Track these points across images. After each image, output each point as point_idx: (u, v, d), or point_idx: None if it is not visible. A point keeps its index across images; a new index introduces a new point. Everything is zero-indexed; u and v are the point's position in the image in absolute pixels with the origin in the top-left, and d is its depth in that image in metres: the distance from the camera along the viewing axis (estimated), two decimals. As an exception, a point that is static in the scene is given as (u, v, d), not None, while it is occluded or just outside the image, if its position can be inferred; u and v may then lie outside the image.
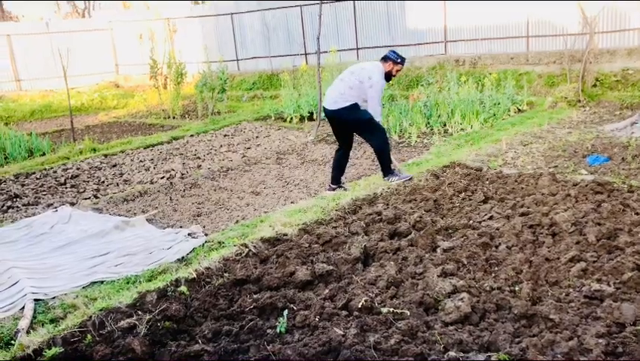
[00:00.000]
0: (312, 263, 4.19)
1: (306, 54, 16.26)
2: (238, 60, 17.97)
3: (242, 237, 4.92)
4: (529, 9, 12.05)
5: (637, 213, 4.61)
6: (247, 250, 4.54)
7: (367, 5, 15.01)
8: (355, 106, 6.06)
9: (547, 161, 6.64)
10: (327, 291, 3.74)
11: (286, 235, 4.87)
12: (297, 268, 4.03)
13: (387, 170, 6.29)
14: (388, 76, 6.20)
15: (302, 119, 11.10)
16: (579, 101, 9.93)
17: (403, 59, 6.20)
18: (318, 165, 7.77)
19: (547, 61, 11.73)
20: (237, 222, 5.59)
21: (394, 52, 6.25)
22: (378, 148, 6.26)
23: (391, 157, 6.37)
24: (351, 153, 8.15)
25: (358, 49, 15.40)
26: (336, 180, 6.37)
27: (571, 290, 3.52)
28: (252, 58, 17.59)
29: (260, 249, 4.57)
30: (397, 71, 6.25)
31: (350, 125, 6.22)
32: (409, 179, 6.22)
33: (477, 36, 13.12)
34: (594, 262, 3.85)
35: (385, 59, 6.19)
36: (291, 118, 11.12)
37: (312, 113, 11.05)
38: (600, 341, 2.87)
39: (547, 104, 10.05)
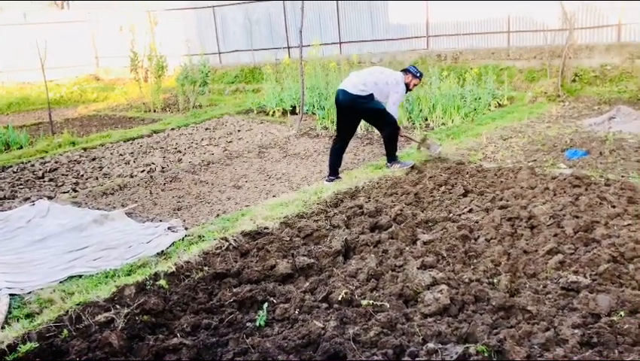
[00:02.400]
0: (292, 256, 4.18)
1: (288, 48, 16.20)
2: (220, 53, 17.83)
3: (222, 231, 4.90)
4: (510, 4, 12.13)
5: (613, 207, 4.68)
6: (227, 243, 4.52)
7: (350, -1, 15.00)
8: (372, 96, 6.33)
9: (526, 155, 6.70)
10: (307, 284, 3.74)
11: (267, 228, 4.86)
12: (278, 262, 4.02)
13: (391, 157, 6.63)
14: (406, 87, 6.56)
15: (284, 112, 11.06)
16: (558, 96, 10.04)
17: (421, 74, 6.69)
18: (301, 158, 7.76)
19: (528, 56, 11.83)
20: (218, 216, 5.55)
21: (414, 67, 6.70)
22: (388, 137, 6.57)
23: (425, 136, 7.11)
24: (333, 147, 8.19)
25: (340, 43, 15.37)
26: (335, 172, 6.50)
27: (548, 282, 3.56)
28: (234, 51, 17.47)
29: (241, 242, 4.56)
30: (414, 85, 6.68)
31: (363, 113, 6.50)
32: (412, 166, 6.51)
33: (459, 31, 13.18)
34: (571, 254, 3.90)
35: (405, 71, 6.59)
36: (274, 112, 11.08)
37: (294, 107, 11.01)
38: (576, 331, 2.91)
39: (527, 99, 10.15)
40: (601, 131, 7.55)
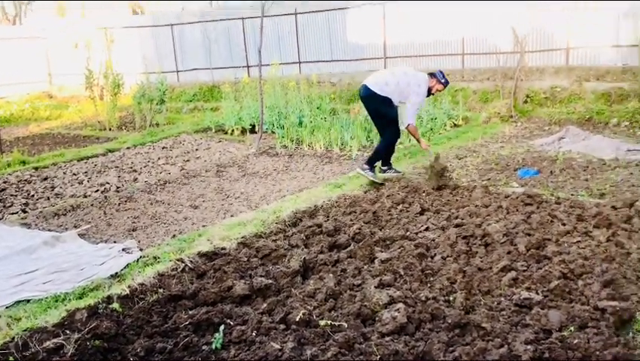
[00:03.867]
0: (250, 277, 4.14)
1: (248, 67, 16.22)
2: (178, 71, 17.70)
3: (178, 252, 4.81)
4: (464, 28, 12.51)
5: (564, 224, 4.82)
6: (183, 265, 4.44)
7: (309, 20, 15.16)
8: (389, 101, 6.54)
9: (480, 174, 6.86)
10: (265, 305, 3.70)
11: (224, 249, 4.80)
12: (235, 283, 3.97)
13: (370, 163, 6.75)
14: (429, 91, 6.64)
15: (243, 131, 11.03)
16: (511, 116, 10.35)
17: (447, 82, 6.70)
18: (260, 177, 7.72)
19: (482, 78, 12.19)
20: (174, 236, 5.46)
21: (441, 72, 6.74)
22: (380, 145, 6.81)
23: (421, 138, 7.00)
24: (293, 166, 8.21)
25: (300, 62, 15.50)
26: (386, 162, 6.94)
27: (502, 299, 3.63)
28: (193, 69, 17.38)
29: (197, 264, 4.48)
30: (437, 90, 6.73)
31: (373, 111, 6.75)
32: (381, 183, 6.62)
33: (415, 53, 13.48)
34: (524, 271, 4.00)
35: (432, 75, 6.65)
36: (232, 130, 11.03)
37: (253, 126, 11.00)
38: (529, 347, 2.96)
39: (482, 120, 10.42)
40: (552, 151, 7.81)
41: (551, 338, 3.07)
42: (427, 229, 5.02)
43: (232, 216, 6.00)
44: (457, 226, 4.95)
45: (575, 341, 2.99)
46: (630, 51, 10.51)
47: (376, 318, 3.43)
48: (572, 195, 5.77)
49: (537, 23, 11.35)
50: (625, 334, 3.14)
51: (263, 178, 7.68)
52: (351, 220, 5.36)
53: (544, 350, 2.93)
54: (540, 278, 3.79)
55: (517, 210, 5.26)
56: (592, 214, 4.97)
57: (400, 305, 3.43)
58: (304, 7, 15.23)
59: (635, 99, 9.69)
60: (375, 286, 3.80)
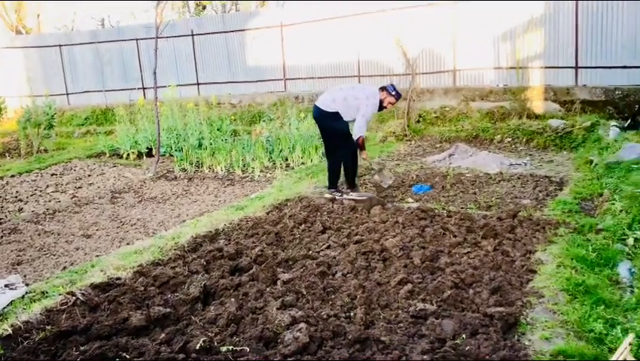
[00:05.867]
0: (147, 307, 3.97)
1: (143, 88, 15.76)
2: (68, 94, 16.83)
3: (69, 284, 4.52)
4: (359, 50, 12.97)
5: (455, 236, 5.09)
6: (74, 298, 4.17)
7: (207, 41, 15.04)
8: (336, 115, 6.46)
9: (378, 191, 7.07)
10: (163, 335, 3.56)
11: (119, 279, 4.57)
12: (131, 314, 3.80)
13: (350, 183, 6.77)
14: (380, 105, 6.57)
15: (140, 155, 10.66)
16: (405, 135, 10.82)
17: (398, 94, 6.63)
18: (157, 202, 7.47)
19: (377, 98, 12.63)
20: (64, 268, 5.13)
21: (392, 85, 6.66)
22: (343, 160, 6.68)
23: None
24: (193, 190, 8.03)
25: (198, 84, 15.30)
26: (332, 184, 6.74)
27: (400, 311, 3.74)
28: (84, 92, 16.60)
29: (90, 296, 4.23)
30: (390, 103, 6.64)
31: (324, 130, 6.71)
32: (368, 198, 6.40)
33: (314, 74, 13.77)
34: (419, 282, 4.16)
35: (382, 88, 6.59)
36: (128, 154, 10.63)
37: (150, 149, 10.66)
38: (425, 357, 3.07)
39: (378, 139, 10.80)
40: (443, 167, 8.24)
41: (445, 346, 3.20)
42: (328, 247, 5.09)
43: (128, 244, 5.75)
44: (357, 242, 5.07)
45: (467, 348, 3.14)
46: (509, 73, 11.39)
47: (279, 340, 3.41)
48: (462, 208, 6.10)
49: (426, 46, 12.00)
50: (511, 337, 3.34)
51: (162, 203, 7.44)
52: (253, 243, 5.32)
53: (439, 359, 3.05)
54: (435, 289, 3.96)
55: (412, 225, 5.48)
56: (481, 226, 5.29)
57: (302, 325, 3.43)
58: (201, 29, 15.11)
59: (516, 117, 10.48)
60: (277, 308, 3.78)
